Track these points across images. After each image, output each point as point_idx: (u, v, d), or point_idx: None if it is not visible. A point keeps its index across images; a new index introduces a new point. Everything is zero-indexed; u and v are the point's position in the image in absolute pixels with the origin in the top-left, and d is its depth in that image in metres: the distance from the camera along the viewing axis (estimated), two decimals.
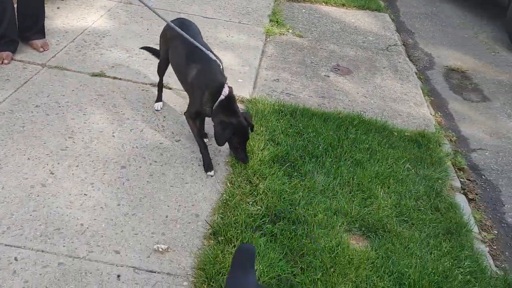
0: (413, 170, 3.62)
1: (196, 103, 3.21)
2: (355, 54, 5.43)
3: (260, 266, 2.56)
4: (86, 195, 2.93)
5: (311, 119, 3.95)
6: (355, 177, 3.39)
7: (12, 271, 2.42)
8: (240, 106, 3.67)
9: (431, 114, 4.57)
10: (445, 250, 2.94)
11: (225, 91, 3.10)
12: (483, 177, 4.01)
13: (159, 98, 3.83)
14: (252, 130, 3.28)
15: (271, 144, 3.56)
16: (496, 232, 3.45)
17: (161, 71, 3.73)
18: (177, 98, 4.00)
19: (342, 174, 3.41)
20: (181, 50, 3.29)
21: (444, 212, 3.28)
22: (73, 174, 3.07)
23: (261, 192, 3.09)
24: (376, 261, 2.77)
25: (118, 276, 2.48)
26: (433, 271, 2.75)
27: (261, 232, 2.81)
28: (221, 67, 3.27)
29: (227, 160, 3.41)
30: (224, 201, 3.02)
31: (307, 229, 2.88)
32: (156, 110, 3.79)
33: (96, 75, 4.12)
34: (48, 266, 2.47)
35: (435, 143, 4.01)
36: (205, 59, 3.19)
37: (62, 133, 3.40)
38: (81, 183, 3.01)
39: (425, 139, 4.01)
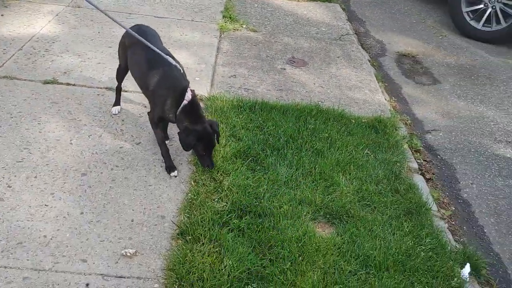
0: (372, 155, 3.72)
1: (159, 110, 3.15)
2: (309, 45, 5.51)
3: (230, 261, 2.59)
4: (47, 205, 2.87)
5: (270, 113, 3.99)
6: (316, 166, 3.46)
7: None
8: None
9: (386, 100, 4.71)
10: (407, 230, 3.05)
11: (188, 96, 3.06)
12: (438, 157, 4.17)
13: (117, 102, 3.78)
14: (218, 140, 3.23)
15: (232, 140, 3.58)
16: (453, 208, 3.61)
17: (120, 77, 3.68)
18: (135, 100, 3.95)
19: (304, 164, 3.47)
20: (140, 57, 3.22)
21: (403, 193, 3.40)
22: (31, 185, 2.99)
23: (225, 189, 3.11)
24: (342, 246, 2.85)
25: (87, 285, 2.45)
26: (397, 250, 2.86)
27: (228, 228, 2.84)
28: (182, 72, 3.23)
29: (189, 159, 3.40)
30: (190, 200, 3.03)
31: (274, 221, 2.93)
32: (114, 114, 3.74)
33: (48, 83, 4.01)
34: (13, 281, 2.41)
35: (391, 127, 4.14)
36: (165, 64, 3.14)
37: (17, 144, 3.30)
38: (41, 194, 2.94)
39: (381, 124, 4.13)
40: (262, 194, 3.11)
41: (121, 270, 2.55)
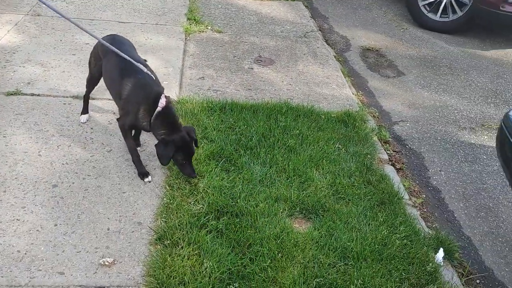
0: (343, 149, 3.79)
1: (132, 118, 3.08)
2: (275, 44, 5.55)
3: (210, 262, 2.59)
4: (18, 220, 2.80)
5: (241, 113, 4.00)
6: (290, 163, 3.49)
7: None
8: None
9: (353, 94, 4.79)
10: (381, 220, 3.12)
11: (162, 102, 3.00)
12: (407, 146, 4.28)
13: (84, 110, 3.71)
14: (196, 145, 3.19)
15: (204, 142, 3.57)
16: (424, 196, 3.71)
17: (91, 87, 3.62)
18: (103, 108, 3.89)
19: (278, 162, 3.50)
20: (113, 66, 3.16)
21: (376, 184, 3.47)
22: (1, 200, 2.91)
23: (201, 191, 3.11)
24: (320, 240, 2.89)
25: None
26: (373, 240, 2.92)
27: (206, 229, 2.84)
28: (155, 79, 3.17)
29: None
30: (166, 205, 3.01)
31: (251, 220, 2.94)
32: (82, 122, 3.68)
33: (11, 94, 3.91)
34: None
35: (360, 120, 4.22)
36: (137, 72, 3.07)
37: None
38: (11, 208, 2.87)
39: (350, 118, 4.20)
40: (238, 194, 3.12)
41: (100, 280, 2.51)
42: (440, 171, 4.00)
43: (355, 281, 2.64)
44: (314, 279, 2.62)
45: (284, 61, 5.18)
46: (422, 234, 3.11)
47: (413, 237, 3.04)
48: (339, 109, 4.36)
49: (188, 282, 2.49)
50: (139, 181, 3.21)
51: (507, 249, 3.31)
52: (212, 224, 2.87)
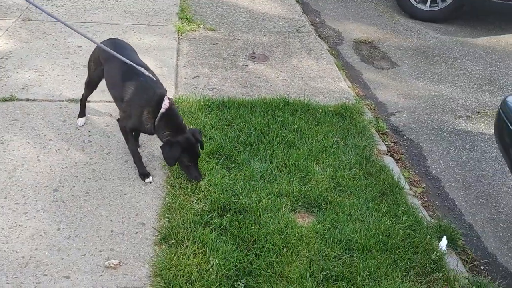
0: (342, 142, 3.79)
1: (135, 121, 3.05)
2: (268, 40, 5.55)
3: (216, 260, 2.59)
4: (21, 226, 2.78)
5: (238, 110, 4.00)
6: (290, 158, 3.49)
7: None
8: None
9: (348, 87, 4.80)
10: (384, 211, 3.13)
11: (166, 104, 2.98)
12: (404, 137, 4.30)
13: (81, 113, 3.69)
14: (202, 148, 3.15)
15: (204, 140, 3.55)
16: (424, 185, 3.72)
17: (90, 91, 3.59)
18: (100, 110, 3.87)
19: (277, 157, 3.50)
20: (115, 69, 3.14)
21: (376, 175, 3.48)
22: (2, 207, 2.89)
23: (203, 189, 3.10)
24: (324, 233, 2.89)
25: None
26: (377, 231, 2.93)
27: (210, 227, 2.83)
28: (157, 81, 3.15)
29: (163, 164, 3.37)
30: (168, 205, 3.00)
31: (254, 216, 2.94)
32: (79, 125, 3.66)
33: (6, 100, 3.88)
34: None
35: (357, 113, 4.23)
36: (139, 75, 3.05)
37: None
38: (13, 214, 2.85)
39: (347, 111, 4.21)
40: (240, 191, 3.12)
41: (107, 282, 2.50)
42: (438, 160, 4.02)
43: (361, 272, 2.65)
44: (320, 272, 2.63)
45: (278, 56, 5.18)
46: (425, 223, 3.12)
47: (416, 226, 3.05)
48: (335, 103, 4.37)
49: (195, 280, 2.49)
50: (140, 182, 3.20)
51: (509, 234, 3.33)
52: (215, 222, 2.87)
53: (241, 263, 2.63)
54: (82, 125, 3.67)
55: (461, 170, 3.91)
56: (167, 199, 3.05)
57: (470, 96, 4.97)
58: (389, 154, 3.93)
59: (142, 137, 3.52)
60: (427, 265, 2.78)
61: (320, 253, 2.76)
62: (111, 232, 2.81)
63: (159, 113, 2.97)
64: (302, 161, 3.48)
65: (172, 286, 2.46)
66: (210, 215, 2.91)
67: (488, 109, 4.75)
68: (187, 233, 2.77)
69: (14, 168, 3.20)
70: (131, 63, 3.04)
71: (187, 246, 2.69)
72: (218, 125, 3.79)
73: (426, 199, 3.57)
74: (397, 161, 3.88)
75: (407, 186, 3.53)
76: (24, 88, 4.06)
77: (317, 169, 3.44)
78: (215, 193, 3.07)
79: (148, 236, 2.81)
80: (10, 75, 4.25)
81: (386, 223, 3.01)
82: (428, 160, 4.02)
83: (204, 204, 3.00)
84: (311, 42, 5.60)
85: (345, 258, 2.75)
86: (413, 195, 3.49)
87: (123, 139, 3.28)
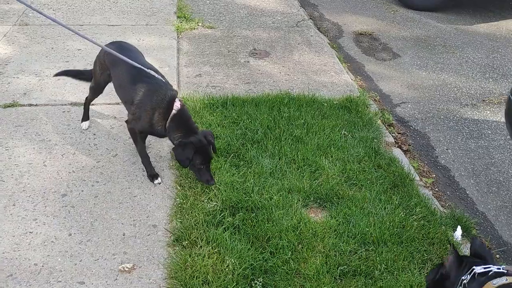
0: (349, 135, 3.76)
1: (144, 123, 3.01)
2: (268, 35, 5.50)
3: (231, 260, 2.55)
4: (31, 232, 2.74)
5: (243, 107, 3.96)
6: (298, 153, 3.46)
7: None
8: None
9: (351, 79, 4.76)
10: (396, 203, 3.10)
11: (177, 105, 2.94)
12: (411, 128, 4.26)
13: (85, 117, 3.64)
14: (214, 151, 3.07)
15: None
16: (434, 175, 3.69)
17: (95, 95, 3.54)
18: (104, 113, 3.83)
19: (286, 153, 3.46)
20: (124, 73, 3.09)
21: (386, 167, 3.45)
22: (11, 214, 2.85)
23: (213, 188, 3.07)
24: (338, 228, 2.86)
25: None
26: (391, 224, 2.90)
27: (223, 226, 2.80)
28: (166, 82, 3.10)
29: (171, 164, 3.34)
30: (179, 205, 2.97)
31: (267, 213, 2.91)
32: (84, 129, 3.61)
33: (9, 106, 3.83)
34: None
35: (362, 105, 4.20)
36: (148, 77, 3.01)
37: None
38: (22, 221, 2.81)
39: (352, 103, 4.18)
40: (251, 188, 3.08)
41: (122, 286, 2.47)
42: (447, 149, 3.99)
43: (379, 266, 2.62)
44: (337, 268, 2.60)
45: (279, 52, 5.13)
46: (438, 213, 3.09)
47: (430, 217, 3.02)
48: (340, 96, 4.33)
49: (212, 281, 2.46)
50: (148, 183, 3.16)
51: None
52: (228, 221, 2.83)
53: (256, 262, 2.59)
54: (87, 129, 3.63)
55: (470, 159, 3.88)
56: (177, 199, 3.02)
57: (474, 84, 4.94)
58: (396, 145, 3.89)
59: (149, 138, 3.46)
60: (444, 256, 2.75)
61: (336, 248, 2.73)
62: (123, 235, 2.77)
63: (171, 115, 2.92)
64: (311, 156, 3.44)
65: (189, 287, 2.43)
66: (222, 214, 2.88)
67: (493, 96, 4.72)
68: (200, 233, 2.74)
69: (21, 174, 3.16)
70: (140, 66, 3.00)
71: (201, 247, 2.66)
72: (224, 123, 3.75)
73: (437, 189, 3.54)
74: (405, 152, 3.85)
75: (417, 177, 3.50)
76: (25, 93, 4.02)
77: (326, 163, 3.41)
78: (225, 191, 3.04)
79: (160, 238, 2.77)
80: (11, 80, 4.20)
81: (400, 215, 2.98)
82: (436, 150, 3.99)
83: (215, 203, 2.96)
84: (311, 36, 5.56)
85: (361, 252, 2.72)
86: (424, 186, 3.47)
87: (129, 141, 3.24)
